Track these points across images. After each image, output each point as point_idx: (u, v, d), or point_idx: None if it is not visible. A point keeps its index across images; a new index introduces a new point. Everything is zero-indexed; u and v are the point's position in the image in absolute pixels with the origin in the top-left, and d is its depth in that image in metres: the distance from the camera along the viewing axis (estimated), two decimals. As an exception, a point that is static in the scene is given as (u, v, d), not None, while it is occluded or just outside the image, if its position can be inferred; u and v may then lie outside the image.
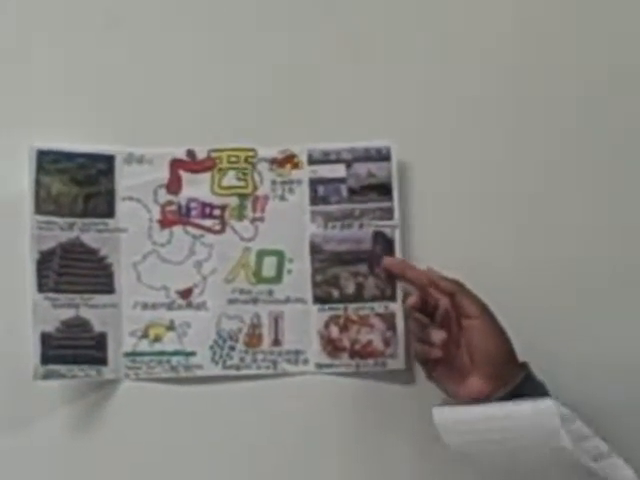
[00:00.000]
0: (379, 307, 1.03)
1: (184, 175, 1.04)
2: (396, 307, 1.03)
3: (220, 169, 1.04)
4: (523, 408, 0.88)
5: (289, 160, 1.04)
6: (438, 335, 0.95)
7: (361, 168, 1.03)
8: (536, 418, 0.87)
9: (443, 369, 0.96)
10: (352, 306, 1.03)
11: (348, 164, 1.03)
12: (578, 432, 0.87)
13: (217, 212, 1.04)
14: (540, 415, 0.87)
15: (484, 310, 0.94)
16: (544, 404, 0.87)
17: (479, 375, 0.92)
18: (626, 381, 1.03)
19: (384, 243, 1.03)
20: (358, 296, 1.03)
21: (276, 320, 1.04)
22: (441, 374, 0.96)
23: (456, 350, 0.95)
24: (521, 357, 0.95)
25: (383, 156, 1.03)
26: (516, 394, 0.91)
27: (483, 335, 0.93)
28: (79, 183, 1.02)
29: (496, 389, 0.91)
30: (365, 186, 1.03)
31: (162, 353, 1.03)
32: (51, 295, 1.01)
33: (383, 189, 1.03)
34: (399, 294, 1.03)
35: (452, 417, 0.91)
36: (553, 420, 0.86)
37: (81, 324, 1.02)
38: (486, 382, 0.92)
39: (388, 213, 1.03)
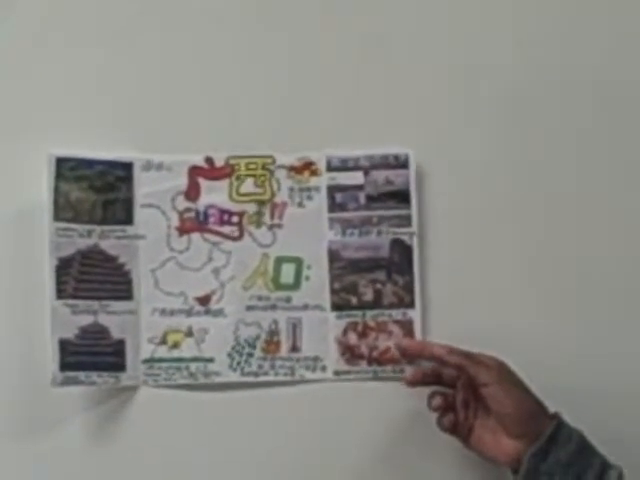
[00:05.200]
0: (397, 314, 1.03)
1: (202, 182, 1.04)
2: (414, 314, 1.03)
3: (238, 176, 1.04)
4: None
5: (307, 167, 1.05)
6: (435, 401, 0.98)
7: (379, 175, 1.03)
8: None
9: (477, 436, 0.97)
10: (370, 313, 1.04)
11: (366, 171, 1.04)
12: None
13: (235, 219, 1.04)
14: None
15: (498, 374, 0.94)
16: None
17: (509, 436, 0.93)
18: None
19: (402, 250, 1.03)
20: (376, 303, 1.03)
21: (294, 327, 1.04)
22: (477, 441, 0.97)
23: (486, 416, 0.96)
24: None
25: (401, 163, 1.03)
26: (550, 444, 0.91)
27: (501, 400, 0.93)
28: (98, 190, 1.02)
29: (529, 443, 0.92)
30: (383, 193, 1.03)
31: (180, 359, 1.04)
32: (70, 302, 1.01)
33: (401, 196, 1.03)
34: (417, 301, 1.03)
35: None
36: None
37: (100, 331, 1.02)
38: (518, 441, 0.93)
39: (406, 220, 1.03)
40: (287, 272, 1.05)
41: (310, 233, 1.04)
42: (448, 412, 0.98)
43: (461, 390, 0.99)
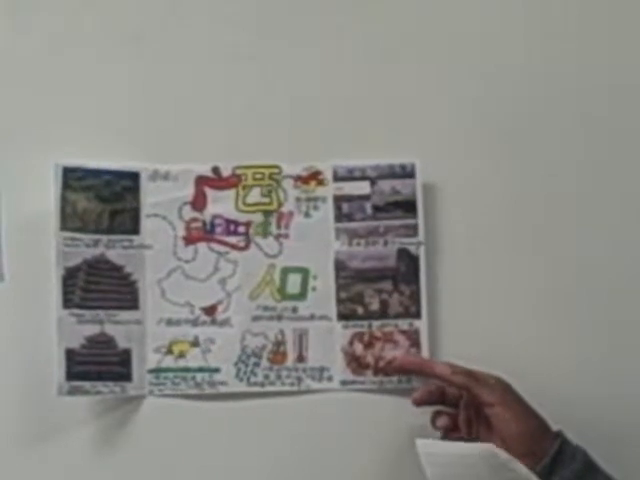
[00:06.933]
0: (403, 324, 1.03)
1: (209, 192, 1.04)
2: (421, 324, 1.03)
3: (245, 186, 1.04)
4: None
5: (314, 177, 1.05)
6: (441, 421, 0.99)
7: (385, 185, 1.03)
8: None
9: None
10: (376, 323, 1.03)
11: (372, 181, 1.04)
12: None
13: (242, 229, 1.04)
14: None
15: (503, 394, 0.95)
16: None
17: (513, 455, 0.93)
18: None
19: (408, 260, 1.03)
20: (382, 313, 1.03)
21: (300, 337, 1.04)
22: None
23: (488, 435, 0.96)
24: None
25: (408, 173, 1.03)
26: (555, 463, 0.91)
27: (505, 420, 0.94)
28: (104, 200, 1.03)
29: (534, 463, 0.92)
30: (390, 203, 1.03)
31: (186, 369, 1.04)
32: (76, 311, 1.01)
33: (408, 206, 1.03)
34: (424, 311, 1.03)
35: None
36: None
37: (106, 340, 1.02)
38: (522, 460, 0.92)
39: (413, 230, 1.03)
40: (293, 282, 1.04)
41: (316, 243, 1.04)
42: (452, 431, 0.98)
43: (464, 409, 0.99)
